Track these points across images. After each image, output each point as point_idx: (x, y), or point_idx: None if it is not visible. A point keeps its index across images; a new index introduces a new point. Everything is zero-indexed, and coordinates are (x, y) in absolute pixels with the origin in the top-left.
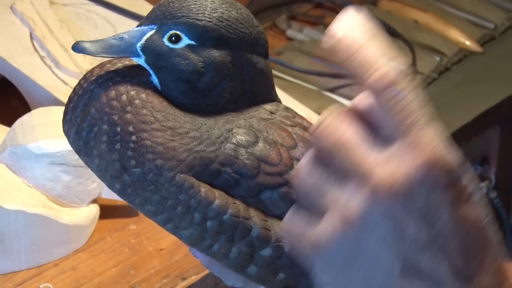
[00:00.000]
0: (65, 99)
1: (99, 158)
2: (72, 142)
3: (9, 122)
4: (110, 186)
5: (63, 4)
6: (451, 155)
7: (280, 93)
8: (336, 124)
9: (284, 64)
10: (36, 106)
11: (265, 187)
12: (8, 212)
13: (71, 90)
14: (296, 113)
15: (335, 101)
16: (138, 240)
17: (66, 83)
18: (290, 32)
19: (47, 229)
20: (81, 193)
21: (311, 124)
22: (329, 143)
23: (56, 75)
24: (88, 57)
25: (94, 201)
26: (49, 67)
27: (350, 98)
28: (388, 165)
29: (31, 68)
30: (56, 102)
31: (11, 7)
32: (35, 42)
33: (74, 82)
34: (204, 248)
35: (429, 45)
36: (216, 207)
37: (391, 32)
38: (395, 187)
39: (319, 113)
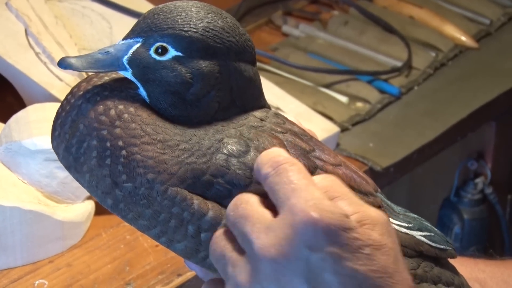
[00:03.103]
0: (60, 95)
1: (89, 174)
2: (61, 159)
3: (4, 119)
4: (102, 202)
5: (58, 0)
6: (331, 213)
7: (276, 89)
8: (238, 200)
9: (280, 60)
10: (31, 103)
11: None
12: (3, 208)
13: (66, 86)
14: (286, 119)
15: (331, 97)
16: (134, 237)
17: (61, 80)
18: (285, 28)
19: (42, 226)
20: (77, 190)
21: (301, 128)
22: (233, 216)
23: (51, 71)
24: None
25: (90, 198)
26: (44, 63)
27: (346, 94)
28: (267, 233)
29: (26, 64)
30: (51, 98)
31: (6, 3)
32: (30, 38)
33: (69, 78)
34: (199, 260)
35: (425, 41)
36: (209, 219)
37: (387, 28)
38: (271, 253)
39: (315, 109)
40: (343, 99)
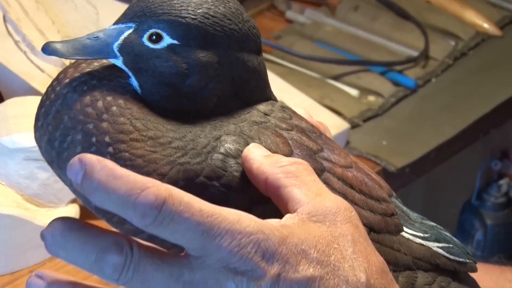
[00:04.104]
0: (41, 88)
1: None
2: (43, 152)
3: None
4: (86, 203)
5: None
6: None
7: (279, 81)
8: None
9: (283, 49)
10: (10, 96)
11: (256, 202)
12: None
13: (48, 78)
14: (294, 113)
15: (340, 90)
16: None
17: (42, 70)
18: (289, 14)
19: (21, 232)
20: (59, 192)
21: (310, 124)
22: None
23: (32, 61)
24: None
25: (74, 201)
26: (24, 52)
27: (356, 86)
28: None
29: (4, 54)
30: (31, 91)
31: None
32: (8, 25)
33: (51, 69)
34: None
35: (443, 28)
36: None
37: (402, 13)
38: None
39: (322, 103)
40: (353, 92)
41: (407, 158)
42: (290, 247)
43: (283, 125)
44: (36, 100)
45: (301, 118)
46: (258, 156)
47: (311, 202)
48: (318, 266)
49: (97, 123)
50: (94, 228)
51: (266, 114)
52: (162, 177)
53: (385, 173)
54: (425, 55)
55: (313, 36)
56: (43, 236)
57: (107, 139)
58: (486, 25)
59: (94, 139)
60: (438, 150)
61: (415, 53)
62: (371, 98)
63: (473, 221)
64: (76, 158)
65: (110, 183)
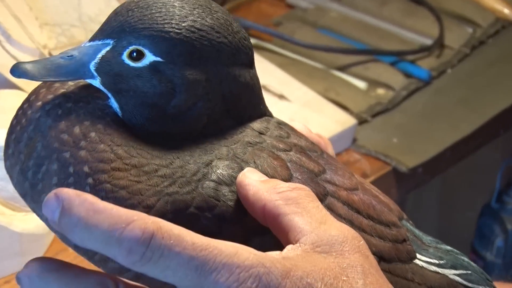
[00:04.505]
0: (18, 81)
1: None
2: (15, 184)
3: None
4: (65, 241)
5: None
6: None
7: (278, 72)
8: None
9: (284, 37)
10: None
11: (254, 233)
12: None
13: None
14: (292, 129)
15: (346, 82)
16: None
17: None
18: None
19: None
20: None
21: (309, 141)
22: None
23: (7, 51)
24: (46, 31)
25: None
26: None
27: (364, 78)
28: None
29: None
30: (7, 84)
31: None
32: None
33: (29, 60)
34: None
35: (460, 13)
36: None
37: None
38: None
39: (326, 97)
40: (361, 84)
41: (419, 157)
42: (294, 280)
43: (280, 145)
44: (11, 94)
45: (299, 135)
46: (254, 182)
47: (315, 231)
48: None
49: (74, 151)
50: (75, 267)
51: (261, 133)
52: (148, 210)
53: (395, 174)
54: (439, 44)
55: (317, 22)
56: (18, 279)
57: (86, 169)
58: (506, 11)
59: (71, 169)
60: (454, 148)
61: (428, 42)
62: (380, 91)
63: (493, 226)
64: (52, 193)
65: (91, 219)
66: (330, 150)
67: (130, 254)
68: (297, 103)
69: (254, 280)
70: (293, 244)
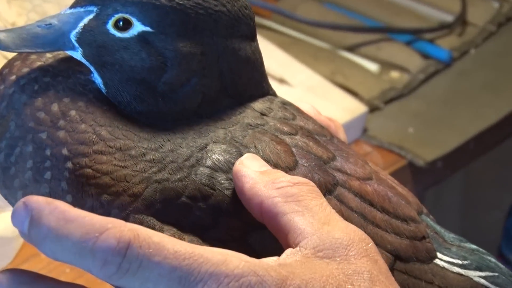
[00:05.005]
0: None
1: (22, 192)
2: None
3: None
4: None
5: None
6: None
7: (278, 53)
8: None
9: (285, 13)
10: None
11: (253, 227)
12: None
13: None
14: (298, 111)
15: (356, 65)
16: None
17: None
18: None
19: None
20: None
21: (318, 124)
22: None
23: None
24: (15, 6)
25: None
26: None
27: (376, 60)
28: None
29: None
30: None
31: None
32: None
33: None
34: None
35: None
36: None
37: None
38: None
39: (333, 81)
40: (373, 67)
41: (439, 149)
42: None
43: (285, 128)
44: None
45: (307, 117)
46: (252, 173)
47: (317, 233)
48: None
49: (52, 131)
50: (48, 280)
51: (263, 114)
52: (135, 198)
53: (411, 169)
54: (462, 20)
55: None
56: None
57: (64, 151)
58: None
59: (48, 152)
60: (478, 139)
61: (449, 18)
62: (395, 74)
63: None
64: (20, 202)
65: (61, 229)
66: (342, 135)
67: (105, 266)
68: (299, 88)
69: None
70: (293, 247)
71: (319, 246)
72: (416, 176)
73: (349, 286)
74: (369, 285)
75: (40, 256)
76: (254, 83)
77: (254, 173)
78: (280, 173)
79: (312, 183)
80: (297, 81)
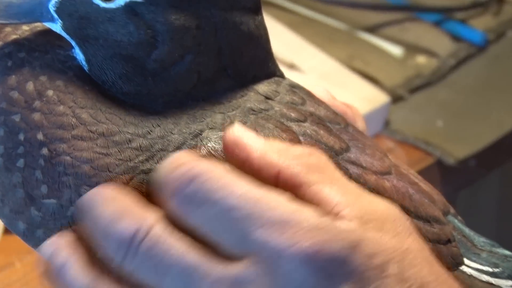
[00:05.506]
0: None
1: None
2: None
3: None
4: (11, 226)
5: None
6: (330, 242)
7: (288, 35)
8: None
9: None
10: None
11: None
12: None
13: None
14: (308, 95)
15: (377, 48)
16: None
17: None
18: None
19: None
20: None
21: (331, 111)
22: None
23: None
24: None
25: None
26: None
27: (400, 42)
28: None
29: None
30: None
31: None
32: None
33: None
34: None
35: None
36: None
37: None
38: None
39: (351, 67)
40: (396, 50)
41: (472, 146)
42: (363, 259)
43: (292, 114)
44: None
45: (318, 102)
46: (257, 141)
47: (357, 204)
48: None
49: (26, 113)
50: None
51: (268, 98)
52: None
53: (440, 168)
54: None
55: None
56: None
57: (40, 136)
58: None
59: (21, 137)
60: None
61: None
62: (421, 59)
63: None
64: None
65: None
66: (360, 124)
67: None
68: (312, 74)
69: (312, 245)
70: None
71: (366, 216)
72: (445, 176)
73: (407, 262)
74: (426, 265)
75: (13, 267)
76: (258, 62)
77: (259, 141)
78: (286, 142)
79: (324, 154)
80: (309, 67)
